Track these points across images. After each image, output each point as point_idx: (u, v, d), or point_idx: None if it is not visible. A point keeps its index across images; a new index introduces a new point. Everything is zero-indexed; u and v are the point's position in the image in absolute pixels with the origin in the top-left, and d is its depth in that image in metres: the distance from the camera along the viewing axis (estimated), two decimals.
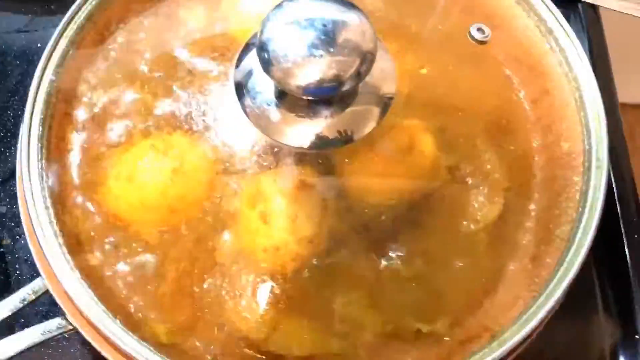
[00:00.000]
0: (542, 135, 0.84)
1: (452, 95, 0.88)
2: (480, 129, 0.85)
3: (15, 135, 0.97)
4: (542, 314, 0.69)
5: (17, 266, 0.90)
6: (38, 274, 0.84)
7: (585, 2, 1.09)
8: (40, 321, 0.70)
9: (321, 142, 0.73)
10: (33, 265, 0.88)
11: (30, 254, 0.89)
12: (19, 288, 0.84)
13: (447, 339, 0.74)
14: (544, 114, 0.85)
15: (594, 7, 1.10)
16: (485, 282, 0.77)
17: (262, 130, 0.73)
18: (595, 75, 0.86)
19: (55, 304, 0.73)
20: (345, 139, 0.73)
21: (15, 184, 0.94)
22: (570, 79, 0.83)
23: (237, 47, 0.86)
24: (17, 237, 0.91)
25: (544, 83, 0.85)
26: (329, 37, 0.64)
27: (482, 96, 0.88)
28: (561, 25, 0.84)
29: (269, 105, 0.74)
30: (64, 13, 0.82)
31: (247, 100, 0.76)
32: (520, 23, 0.88)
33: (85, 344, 0.82)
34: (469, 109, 0.87)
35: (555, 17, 0.84)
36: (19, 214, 0.92)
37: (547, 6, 0.85)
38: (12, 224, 0.92)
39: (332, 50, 0.64)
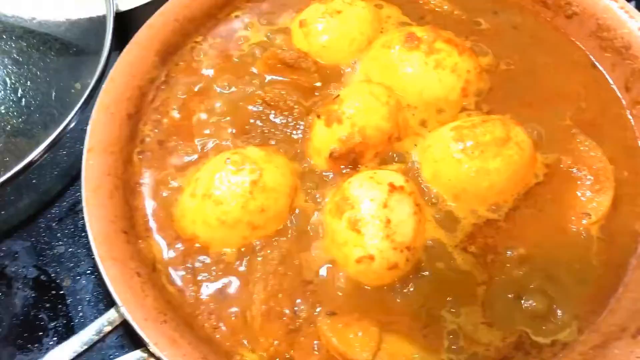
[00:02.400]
0: None
1: (536, 86, 0.82)
2: (572, 119, 0.79)
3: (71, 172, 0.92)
4: None
5: (78, 308, 0.82)
6: (101, 313, 0.77)
7: None
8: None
9: None
10: (95, 305, 0.82)
11: (92, 295, 0.83)
12: (82, 329, 0.78)
13: (577, 345, 0.65)
14: (639, 96, 0.78)
15: None
16: (610, 278, 0.69)
17: None
18: None
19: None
20: None
21: (71, 222, 0.89)
22: None
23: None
24: (78, 277, 0.84)
25: (636, 64, 0.79)
26: None
27: (567, 84, 0.82)
28: None
29: None
30: None
31: None
32: (602, 6, 0.82)
33: None
34: (557, 99, 0.81)
35: None
36: (77, 253, 0.87)
37: None
38: (71, 265, 0.86)
39: None
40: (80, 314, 0.82)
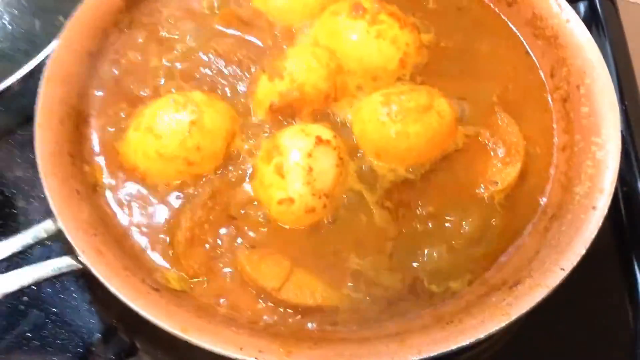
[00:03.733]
0: (560, 102, 0.84)
1: (470, 65, 0.89)
2: (498, 97, 0.85)
3: None
4: (564, 263, 0.67)
5: (27, 227, 0.88)
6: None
7: None
8: None
9: None
10: None
11: (42, 216, 0.90)
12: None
13: (465, 294, 0.72)
14: (562, 83, 0.85)
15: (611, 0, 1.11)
16: (505, 240, 0.76)
17: None
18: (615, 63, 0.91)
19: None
20: None
21: (32, 149, 0.95)
22: (588, 48, 0.83)
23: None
24: (32, 200, 0.91)
25: (560, 53, 0.85)
26: None
27: (500, 66, 0.89)
28: None
29: None
30: None
31: None
32: None
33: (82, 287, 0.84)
34: (488, 78, 0.87)
35: None
36: (34, 177, 0.93)
37: None
38: (27, 187, 0.92)
39: None
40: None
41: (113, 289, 0.65)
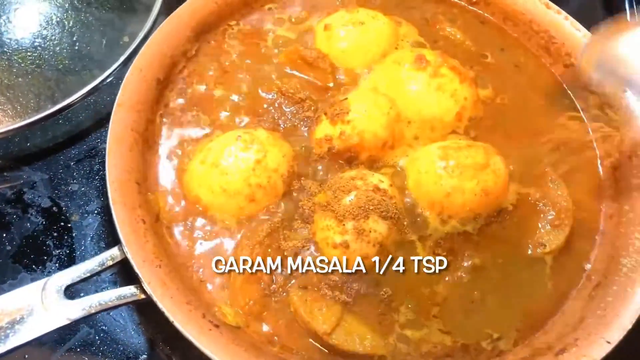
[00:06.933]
0: (610, 170, 0.87)
1: (523, 123, 0.91)
2: (551, 160, 0.87)
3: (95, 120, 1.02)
4: (610, 335, 0.69)
5: (82, 242, 0.91)
6: (101, 250, 0.87)
7: None
8: None
9: None
10: (97, 242, 0.92)
11: (95, 232, 0.93)
12: (82, 261, 0.88)
13: (509, 355, 0.74)
14: (613, 151, 0.87)
15: None
16: (551, 303, 0.78)
17: None
18: None
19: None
20: None
21: (88, 164, 0.98)
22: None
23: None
24: (86, 215, 0.93)
25: (613, 121, 0.88)
26: None
27: (552, 127, 0.91)
28: None
29: None
30: None
31: None
32: None
33: (141, 313, 0.86)
34: (540, 138, 0.89)
35: None
36: (89, 193, 0.96)
37: None
38: (82, 202, 0.95)
39: None
40: (82, 247, 0.91)
41: (178, 324, 0.67)
